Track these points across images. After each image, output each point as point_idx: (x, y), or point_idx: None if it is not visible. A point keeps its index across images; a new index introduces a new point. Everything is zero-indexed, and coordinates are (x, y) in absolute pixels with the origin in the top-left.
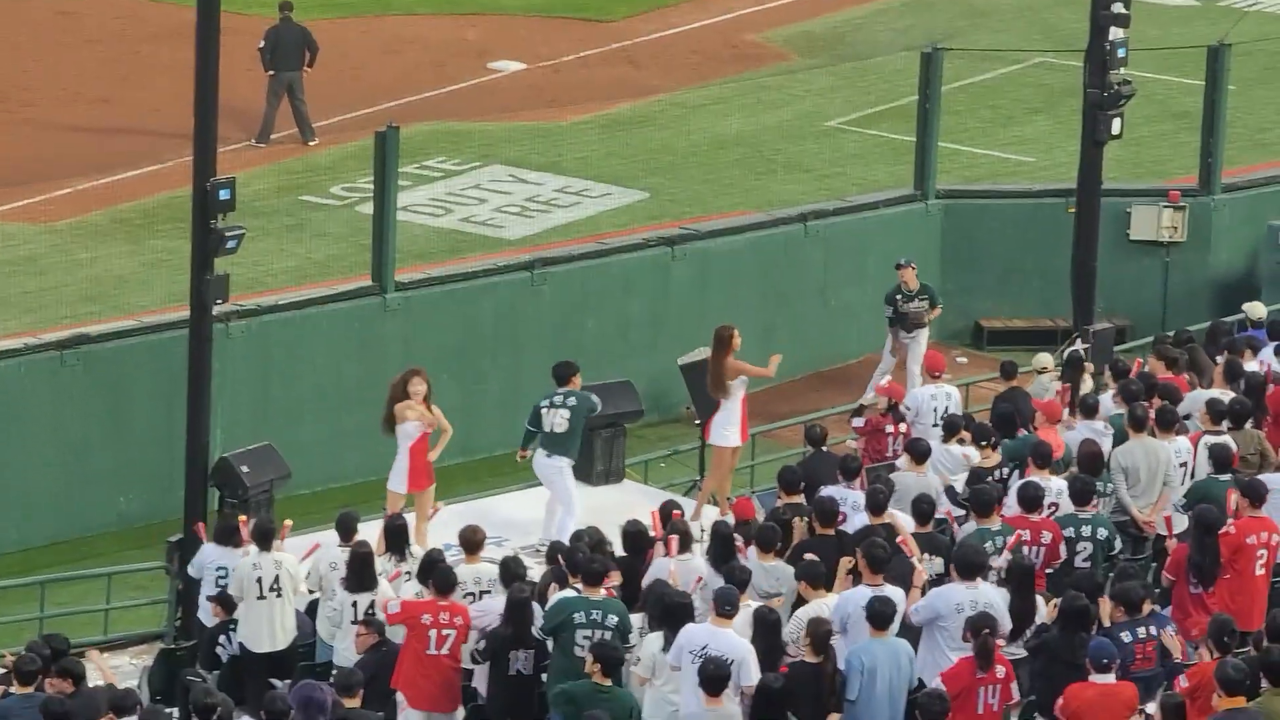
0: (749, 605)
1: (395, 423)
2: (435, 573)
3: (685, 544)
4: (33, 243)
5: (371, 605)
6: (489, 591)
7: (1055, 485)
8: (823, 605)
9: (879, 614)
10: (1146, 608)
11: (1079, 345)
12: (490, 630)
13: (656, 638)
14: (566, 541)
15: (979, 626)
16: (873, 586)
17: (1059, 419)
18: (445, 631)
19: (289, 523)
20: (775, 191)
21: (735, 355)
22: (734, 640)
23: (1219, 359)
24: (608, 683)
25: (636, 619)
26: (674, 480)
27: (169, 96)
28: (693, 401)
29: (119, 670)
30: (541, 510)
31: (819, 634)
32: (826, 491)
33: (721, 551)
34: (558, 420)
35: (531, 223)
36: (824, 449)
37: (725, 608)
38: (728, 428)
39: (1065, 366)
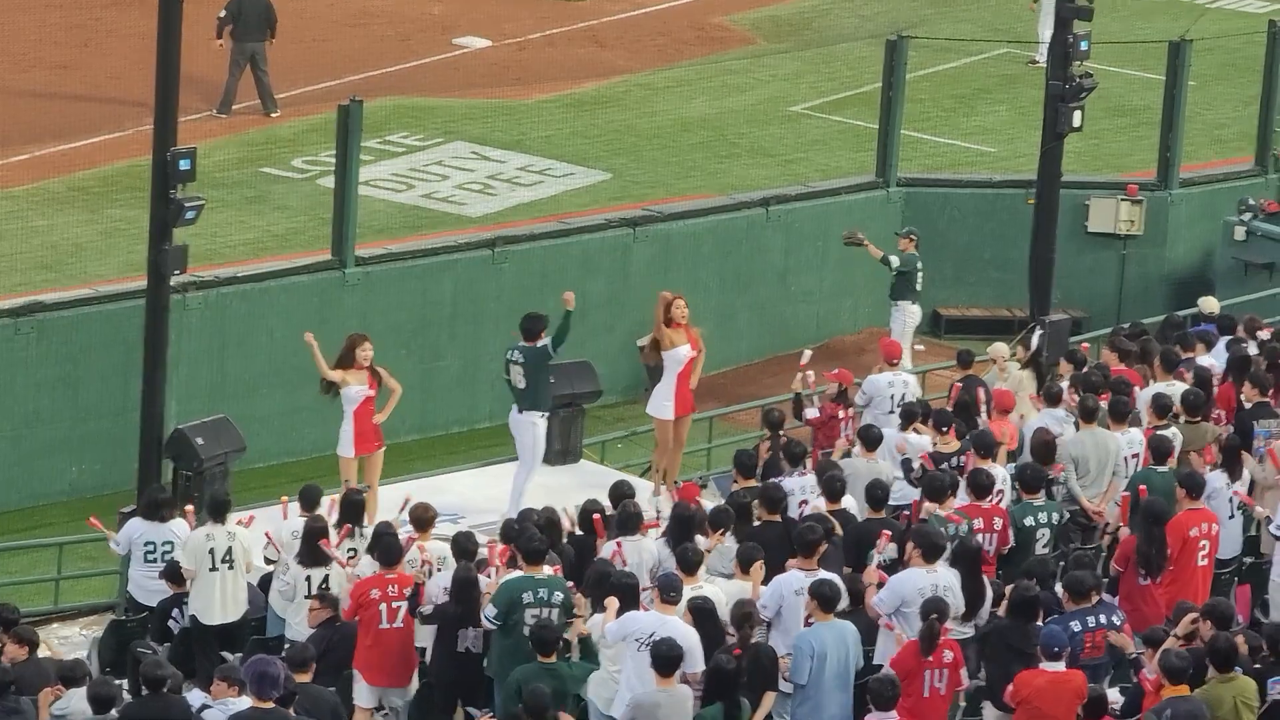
0: (700, 586)
1: (338, 388)
2: (380, 544)
3: (633, 525)
4: None
5: (325, 579)
6: (440, 570)
7: (1000, 473)
8: (746, 588)
9: (825, 597)
10: (1095, 597)
11: (1036, 334)
12: (437, 605)
13: (599, 618)
14: (520, 498)
15: (928, 611)
16: (806, 571)
17: (1012, 408)
18: (395, 604)
19: (252, 514)
20: (738, 175)
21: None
22: (681, 628)
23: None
24: (551, 660)
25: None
26: (631, 461)
27: (130, 64)
28: (650, 384)
29: (69, 641)
30: (497, 489)
31: (738, 615)
32: (785, 481)
33: (679, 534)
34: (516, 376)
35: (493, 200)
36: (780, 433)
37: (669, 594)
38: (664, 400)
39: (1032, 356)
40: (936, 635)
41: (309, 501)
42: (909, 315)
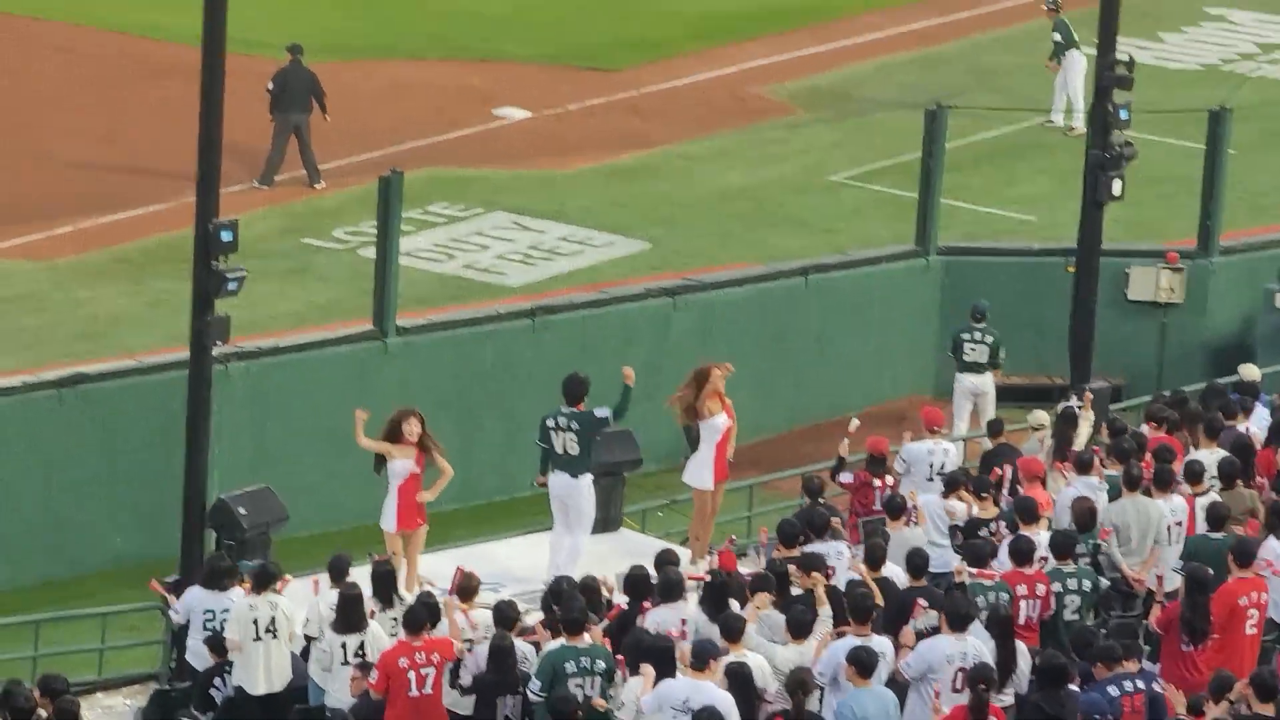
0: (743, 654)
1: (385, 461)
2: (406, 613)
3: (675, 592)
4: (32, 280)
5: (361, 646)
6: (487, 638)
7: (1042, 539)
8: (800, 653)
9: (863, 663)
10: (1134, 666)
11: (1074, 401)
12: (476, 675)
13: (636, 681)
14: (579, 564)
15: (976, 679)
16: (860, 637)
17: (1041, 474)
18: (424, 670)
19: (288, 578)
20: (777, 245)
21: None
22: (715, 693)
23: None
24: None
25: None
26: (671, 529)
27: (172, 136)
28: (690, 451)
29: (113, 710)
30: (538, 556)
31: (792, 681)
32: (816, 547)
33: (715, 601)
34: (569, 443)
35: (533, 270)
36: (820, 500)
37: (698, 660)
38: (701, 469)
39: (1058, 421)
40: (985, 705)
41: (338, 572)
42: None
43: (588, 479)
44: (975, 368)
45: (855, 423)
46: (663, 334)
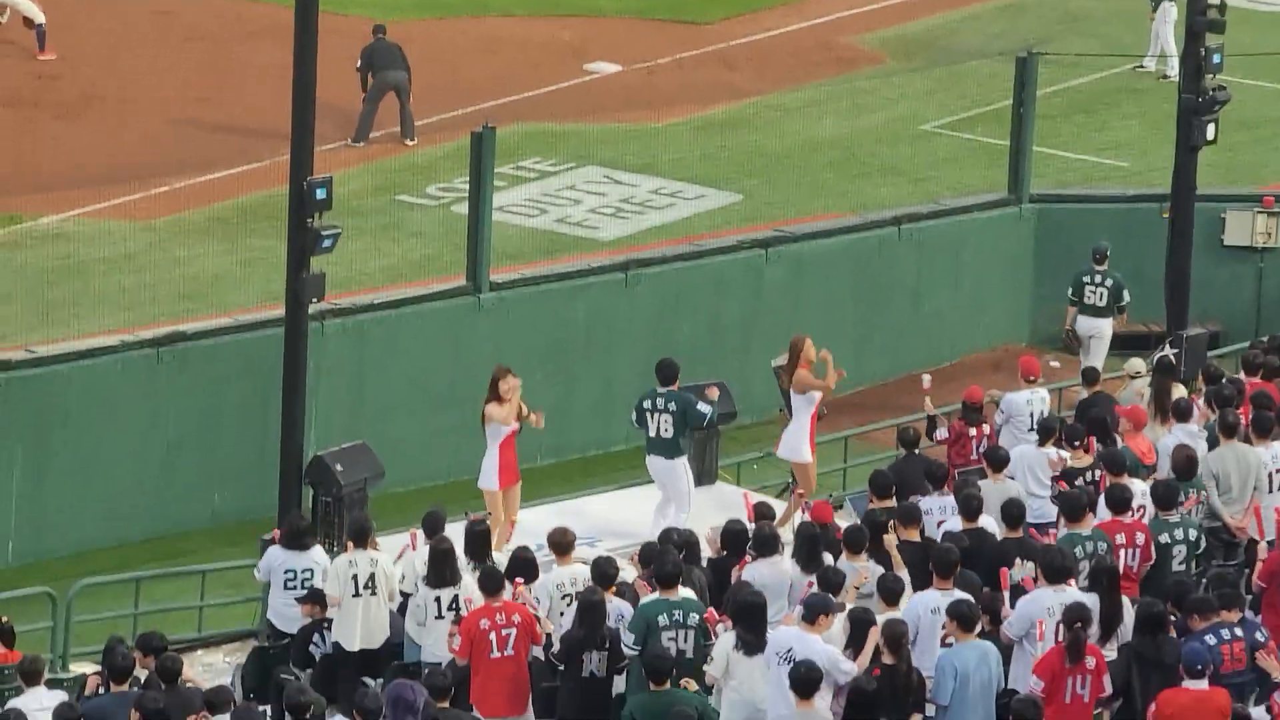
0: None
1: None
2: (483, 574)
3: (771, 547)
4: (130, 240)
5: (455, 600)
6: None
7: (1139, 488)
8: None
9: (964, 617)
10: (1233, 616)
11: (1169, 350)
12: (564, 633)
13: (729, 636)
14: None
15: (1072, 619)
16: (942, 591)
17: (1144, 425)
18: (505, 631)
19: (415, 532)
20: (869, 194)
21: (813, 367)
22: (818, 647)
23: None
24: (664, 687)
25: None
26: (766, 482)
27: (266, 96)
28: (786, 404)
29: (213, 667)
30: (634, 511)
31: (894, 635)
32: (924, 501)
33: (809, 554)
34: (664, 426)
35: (626, 224)
36: (916, 452)
37: (810, 614)
38: (801, 443)
39: (1155, 372)
40: (1083, 644)
41: (432, 527)
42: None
43: (683, 460)
44: (1094, 310)
45: (927, 379)
46: (755, 286)
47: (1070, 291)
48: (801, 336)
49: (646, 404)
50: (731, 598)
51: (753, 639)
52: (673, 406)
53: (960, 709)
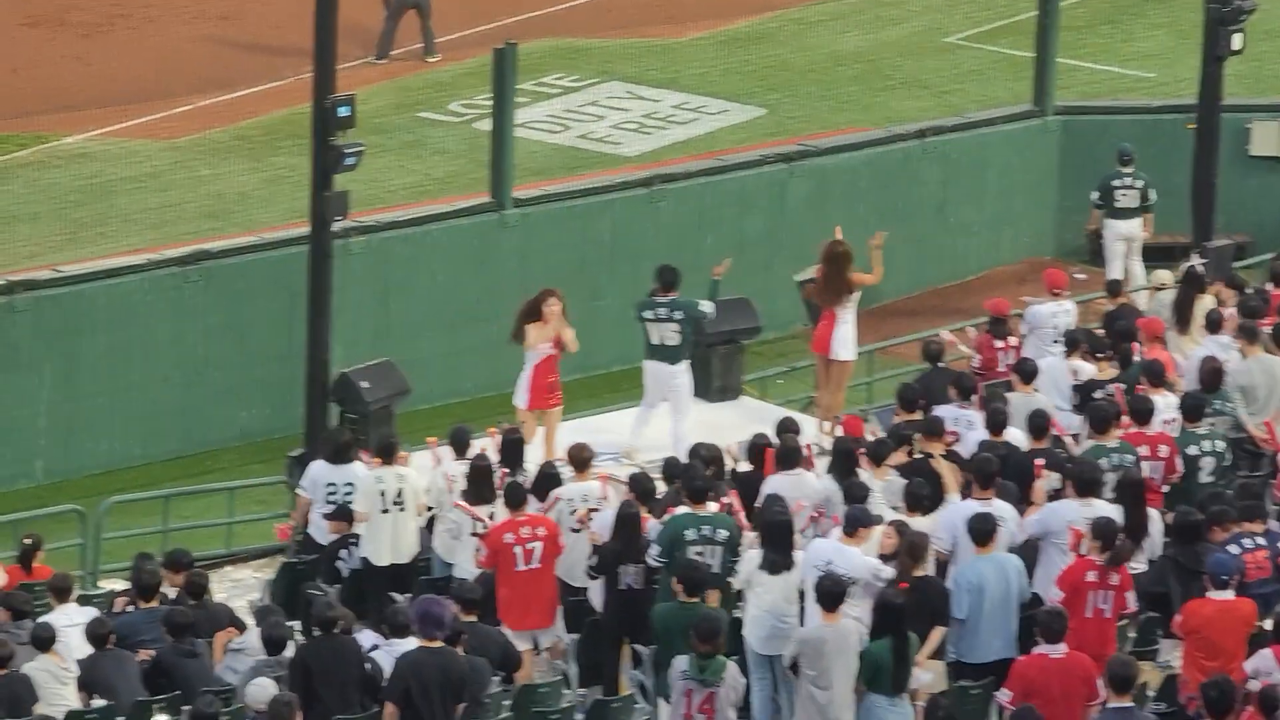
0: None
1: (524, 341)
2: (507, 488)
3: (793, 459)
4: (155, 159)
5: (491, 517)
6: (597, 509)
7: (1166, 401)
8: (920, 526)
9: (977, 530)
10: (1259, 526)
11: (1197, 261)
12: (601, 545)
13: (755, 554)
14: (684, 448)
15: (1103, 534)
16: (981, 501)
17: (1160, 334)
18: (530, 545)
19: (433, 440)
20: (893, 108)
21: (857, 258)
22: (858, 560)
23: None
24: (694, 600)
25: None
26: (791, 396)
27: (289, 14)
28: (810, 317)
29: (242, 583)
30: (659, 426)
31: (913, 546)
32: (940, 410)
33: (843, 468)
34: (668, 334)
35: (649, 139)
36: (940, 365)
37: (852, 526)
38: (850, 342)
39: (1182, 283)
40: (1127, 555)
41: (459, 444)
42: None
43: (685, 364)
44: (1126, 213)
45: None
46: (779, 201)
47: (1097, 196)
48: (844, 241)
49: (648, 314)
50: (759, 514)
51: (778, 558)
52: (678, 315)
53: (977, 621)
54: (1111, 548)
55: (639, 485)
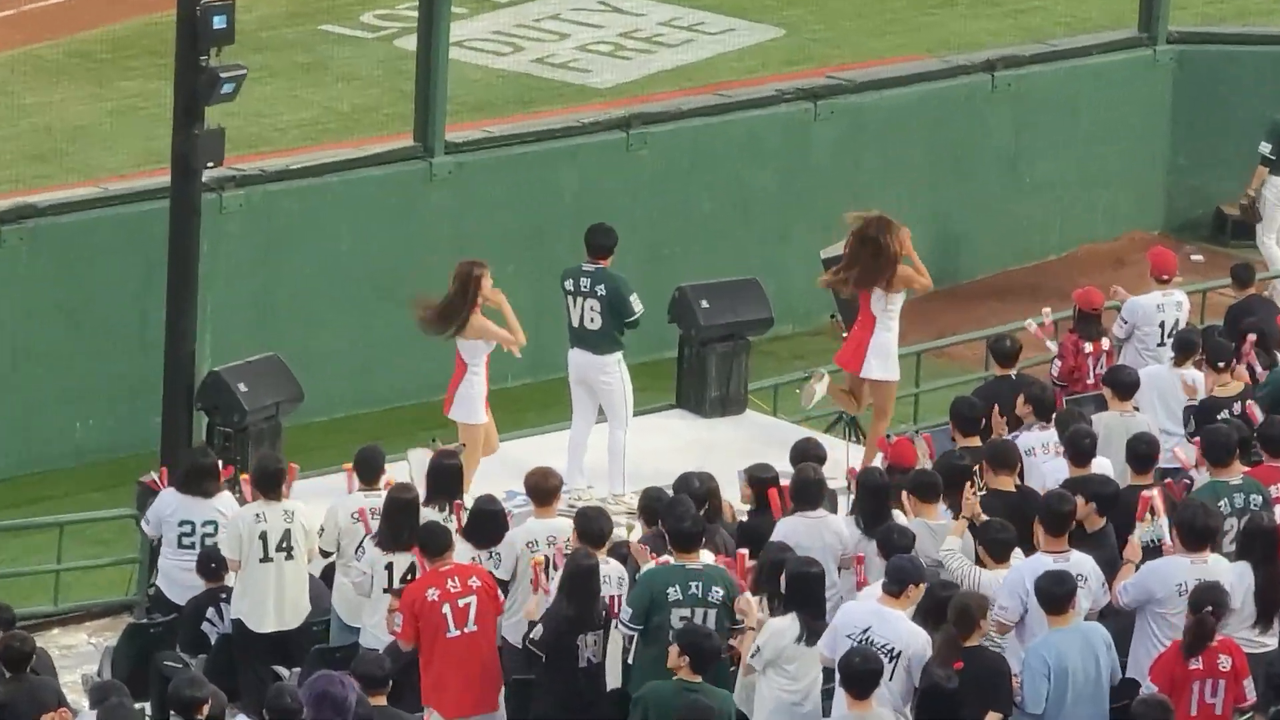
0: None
1: (469, 332)
2: (424, 533)
3: (813, 497)
4: None
5: (412, 568)
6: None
7: None
8: (995, 579)
9: (1051, 595)
10: None
11: None
12: (546, 612)
13: (788, 624)
14: (620, 465)
15: (1199, 602)
16: (1055, 554)
17: None
18: (463, 601)
19: (295, 466)
20: (952, 31)
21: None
22: (903, 626)
23: None
24: (697, 679)
25: None
26: (813, 412)
27: None
28: (839, 309)
29: (73, 651)
30: (639, 446)
31: (965, 610)
32: (1009, 434)
33: (874, 509)
34: (588, 313)
35: (628, 67)
36: (1014, 373)
37: (894, 583)
38: (890, 356)
39: None
40: (1209, 634)
41: (368, 470)
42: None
43: (616, 358)
44: None
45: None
46: (800, 150)
47: (1269, 148)
48: (881, 217)
49: (568, 283)
50: (771, 568)
51: (817, 622)
52: (600, 289)
53: (1056, 715)
54: (1219, 618)
55: (588, 526)
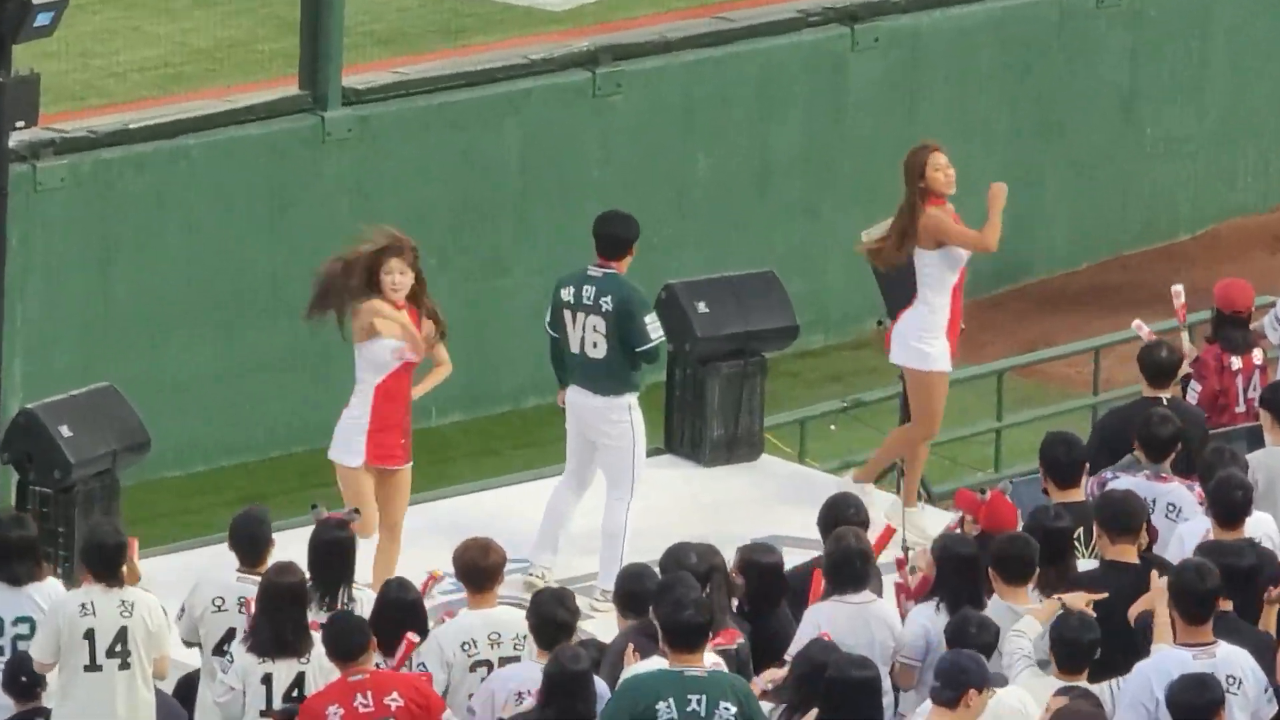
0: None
1: (359, 334)
2: (332, 627)
3: (859, 575)
4: None
5: (300, 680)
6: (516, 657)
7: None
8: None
9: (1193, 705)
10: None
11: None
12: None
13: None
14: (618, 551)
15: None
16: (1196, 648)
17: None
18: None
19: (134, 540)
20: None
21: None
22: None
23: None
24: None
25: None
26: (854, 455)
27: None
28: (889, 309)
29: None
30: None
31: None
32: (1123, 482)
33: (958, 588)
34: (589, 335)
35: None
36: (1166, 398)
37: (950, 690)
38: (931, 339)
39: None
40: None
41: (249, 546)
42: None
43: (628, 400)
44: None
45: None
46: (832, 91)
47: None
48: (925, 147)
49: (565, 293)
50: (805, 673)
51: None
52: (606, 303)
53: None
54: None
55: (544, 613)
